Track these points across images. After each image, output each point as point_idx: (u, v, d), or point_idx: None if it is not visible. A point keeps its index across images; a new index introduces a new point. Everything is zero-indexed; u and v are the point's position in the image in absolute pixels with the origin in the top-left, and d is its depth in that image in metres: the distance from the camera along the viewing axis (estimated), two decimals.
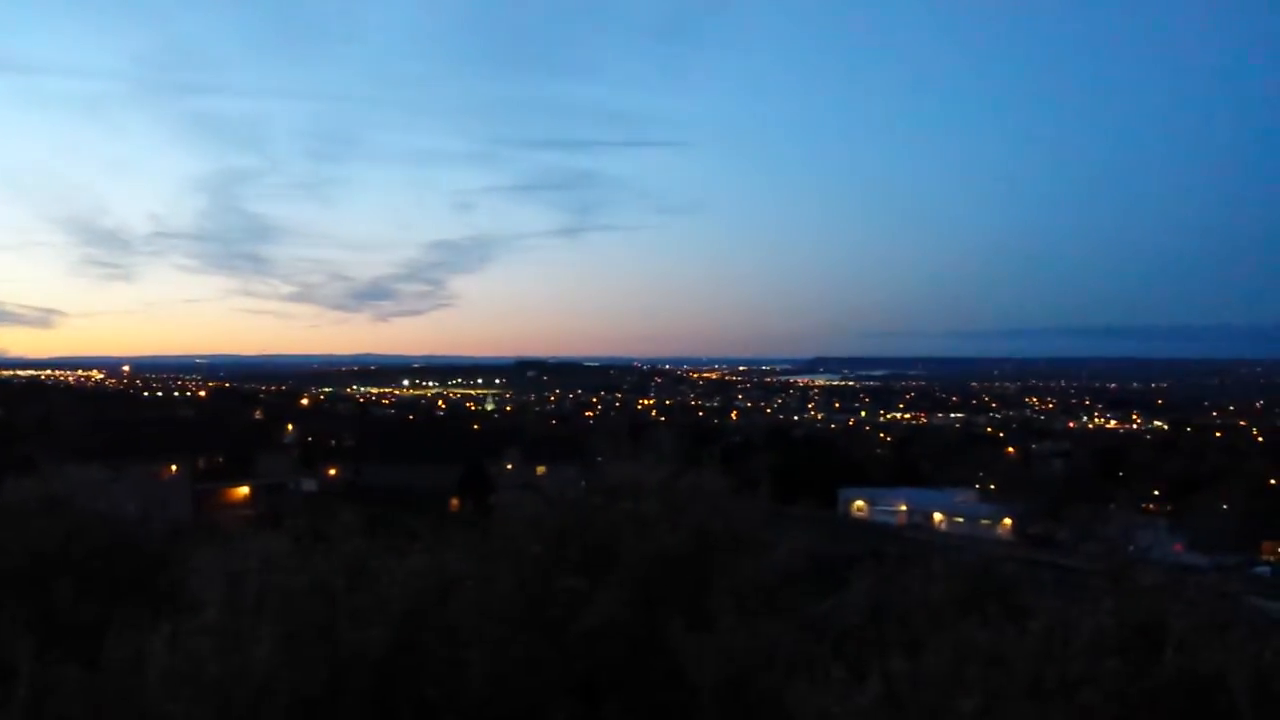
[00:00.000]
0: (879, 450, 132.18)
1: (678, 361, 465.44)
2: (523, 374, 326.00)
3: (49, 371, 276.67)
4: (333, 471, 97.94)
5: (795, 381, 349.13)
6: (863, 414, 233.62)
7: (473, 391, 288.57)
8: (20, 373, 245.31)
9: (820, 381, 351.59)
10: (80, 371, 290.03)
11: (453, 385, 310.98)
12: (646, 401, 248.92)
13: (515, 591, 4.50)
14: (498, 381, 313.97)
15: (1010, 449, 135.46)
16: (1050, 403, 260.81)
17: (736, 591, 4.72)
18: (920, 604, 6.35)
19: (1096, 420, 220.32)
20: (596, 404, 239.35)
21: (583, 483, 5.29)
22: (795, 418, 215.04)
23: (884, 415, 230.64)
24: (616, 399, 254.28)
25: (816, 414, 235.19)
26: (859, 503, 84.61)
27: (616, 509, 4.79)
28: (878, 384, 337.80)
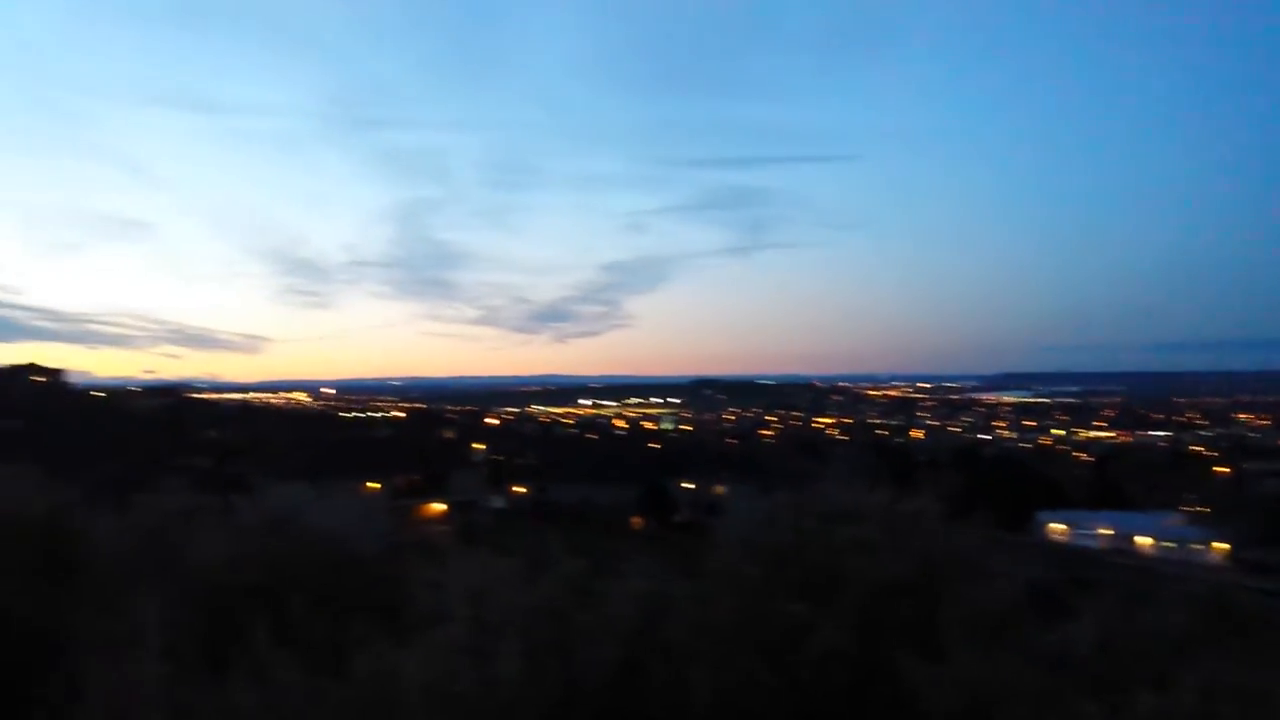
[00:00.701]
0: (1076, 470, 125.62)
1: (856, 378, 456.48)
2: (699, 392, 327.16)
3: (257, 394, 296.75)
4: (520, 489, 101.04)
5: (982, 398, 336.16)
6: (1057, 432, 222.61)
7: (650, 410, 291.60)
8: (231, 396, 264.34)
9: (1009, 398, 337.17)
10: (285, 394, 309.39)
11: (630, 404, 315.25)
12: (824, 420, 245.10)
13: (735, 615, 4.49)
14: (674, 400, 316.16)
15: (1221, 468, 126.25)
16: (1264, 419, 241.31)
17: (965, 620, 4.55)
18: (1157, 636, 5.97)
19: None
20: (774, 422, 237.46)
21: (795, 505, 5.23)
22: (984, 436, 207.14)
23: (1080, 433, 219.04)
24: (793, 417, 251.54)
25: (1007, 432, 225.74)
26: (1058, 526, 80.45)
27: (838, 533, 4.72)
28: (1073, 400, 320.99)
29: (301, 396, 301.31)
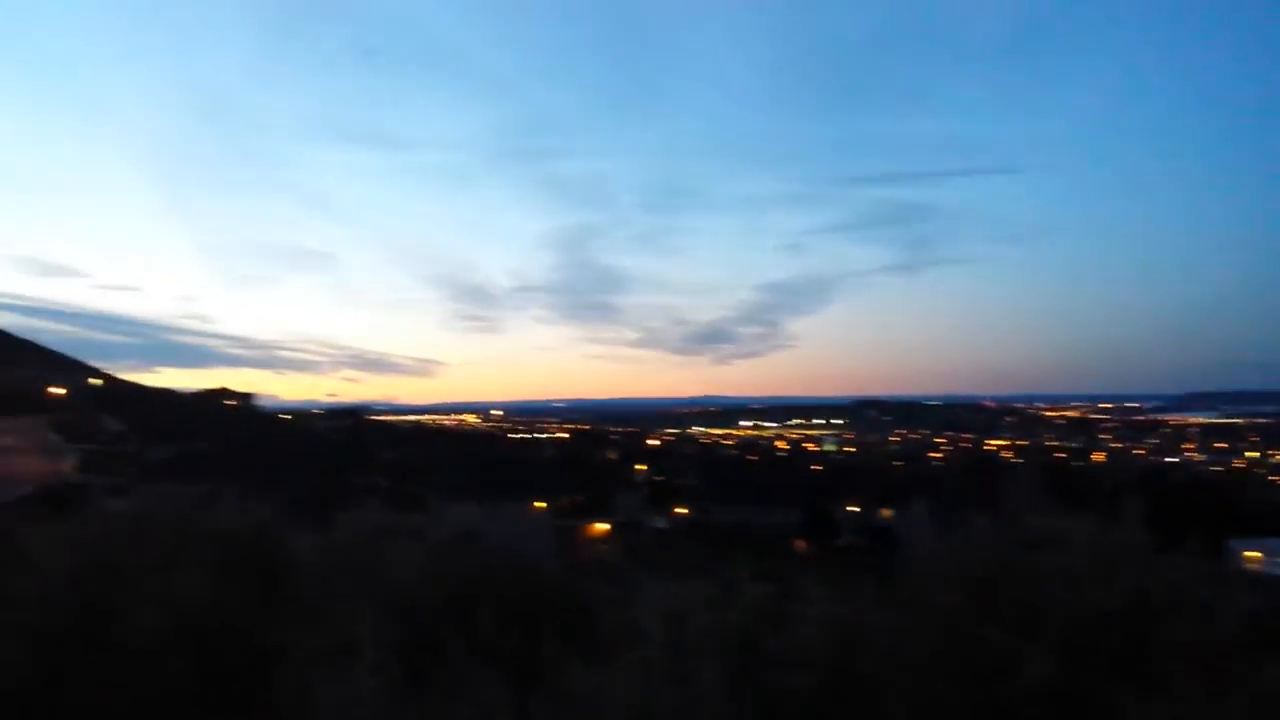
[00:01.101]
0: (1272, 495, 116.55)
1: (1030, 398, 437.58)
2: (862, 414, 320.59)
3: (430, 416, 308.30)
4: (681, 510, 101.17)
5: (1167, 419, 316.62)
6: (1251, 455, 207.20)
7: (812, 432, 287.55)
8: (406, 418, 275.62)
9: (1197, 419, 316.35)
10: (456, 415, 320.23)
11: (791, 426, 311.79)
12: (997, 442, 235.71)
13: (936, 645, 4.32)
14: (837, 422, 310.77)
15: None
16: None
17: (1181, 654, 4.25)
18: None
19: None
20: (942, 444, 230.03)
21: (997, 532, 5.01)
22: (1171, 459, 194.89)
23: (1277, 456, 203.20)
24: (963, 439, 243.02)
25: (1195, 455, 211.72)
26: (1251, 554, 74.78)
27: (1043, 562, 4.49)
28: (1270, 421, 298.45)
29: (471, 418, 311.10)
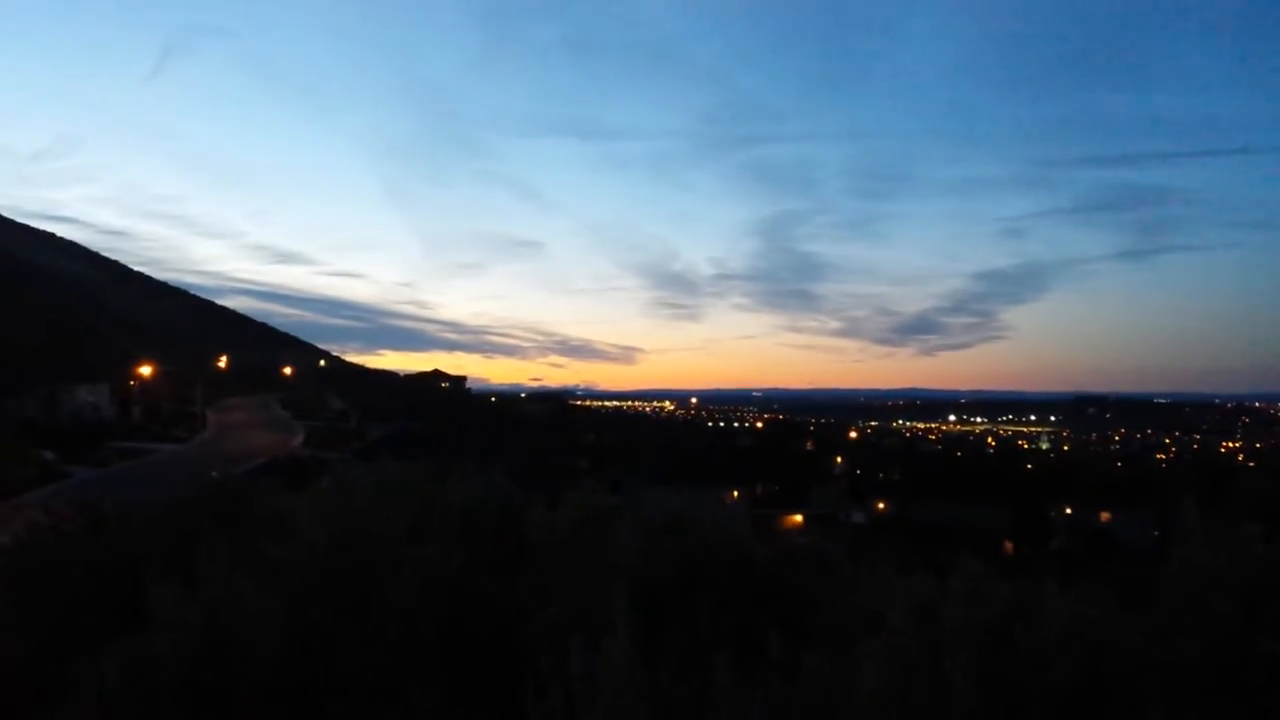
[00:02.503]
0: None
1: (1271, 398, 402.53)
2: (1081, 411, 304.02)
3: (630, 403, 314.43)
4: (881, 505, 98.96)
5: None
6: None
7: (1025, 429, 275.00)
8: (607, 404, 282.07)
9: None
10: (655, 403, 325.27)
11: (1003, 421, 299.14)
12: (1231, 444, 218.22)
13: (1201, 651, 4.06)
14: (1053, 419, 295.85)
15: None
16: None
17: None
18: None
19: None
20: (1170, 445, 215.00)
21: (1270, 538, 4.64)
22: None
23: None
24: (1193, 441, 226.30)
25: None
26: None
27: None
28: None
29: (669, 405, 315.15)
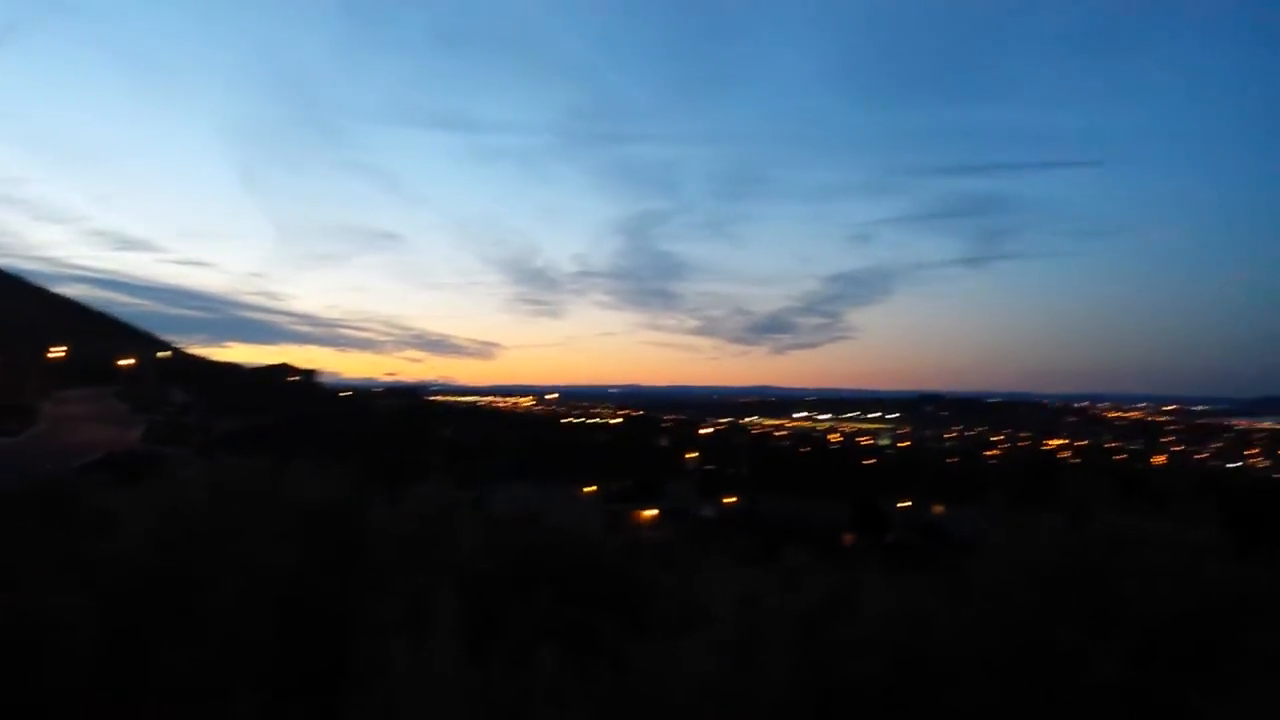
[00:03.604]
0: None
1: (1093, 398, 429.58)
2: (921, 409, 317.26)
3: (488, 398, 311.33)
4: (730, 500, 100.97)
5: (1235, 424, 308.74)
6: None
7: (868, 426, 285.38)
8: (463, 399, 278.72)
9: (1268, 424, 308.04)
10: (513, 398, 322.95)
11: (847, 418, 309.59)
12: (1055, 442, 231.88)
13: (1005, 639, 4.35)
14: (894, 416, 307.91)
15: None
16: None
17: (1255, 656, 4.22)
18: None
19: None
20: (1000, 442, 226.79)
21: (1074, 530, 5.01)
22: (1232, 464, 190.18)
23: None
24: (1022, 438, 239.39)
25: (1261, 461, 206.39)
26: None
27: (1119, 561, 4.49)
28: None
29: (527, 400, 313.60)
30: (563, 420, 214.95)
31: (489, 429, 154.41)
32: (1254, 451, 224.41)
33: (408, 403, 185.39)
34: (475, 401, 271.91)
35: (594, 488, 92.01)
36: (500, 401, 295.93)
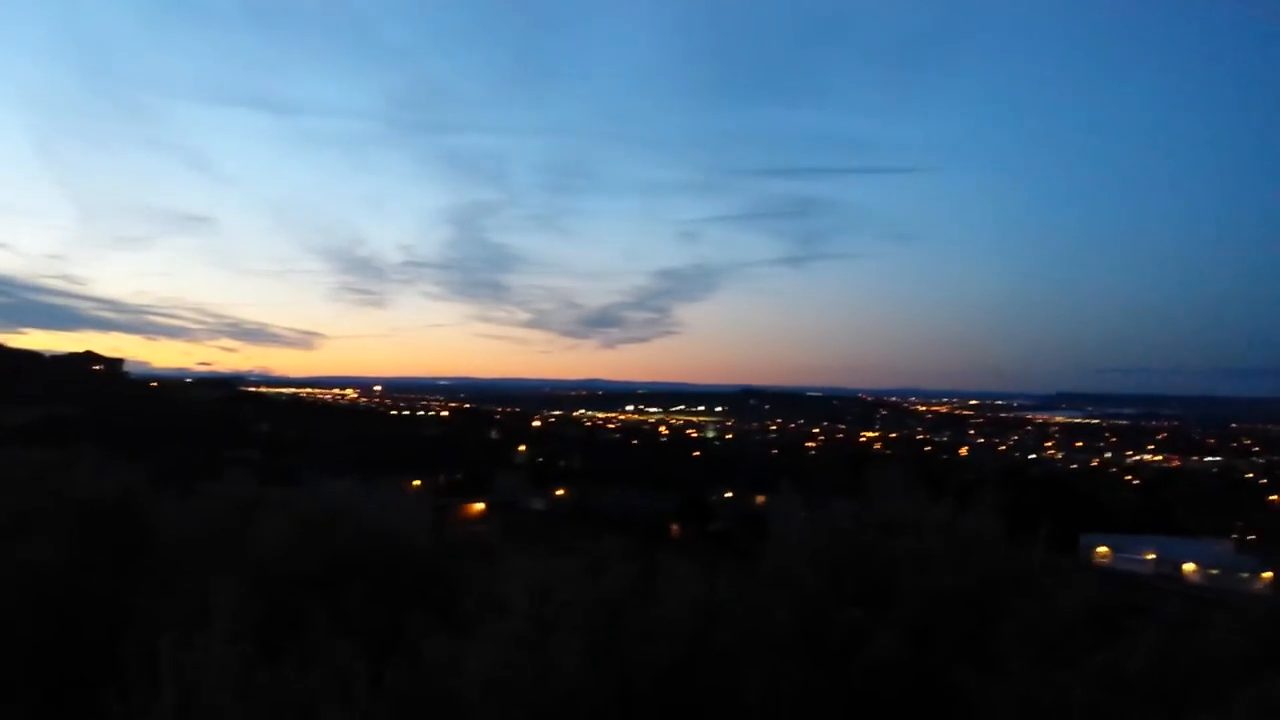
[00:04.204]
0: (1125, 494, 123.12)
1: (905, 393, 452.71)
2: (745, 402, 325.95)
3: (309, 390, 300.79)
4: (560, 492, 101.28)
5: (1033, 418, 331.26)
6: (1108, 455, 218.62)
7: (694, 419, 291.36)
8: (283, 391, 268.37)
9: (1061, 418, 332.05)
10: (336, 391, 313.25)
11: (675, 412, 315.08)
12: (870, 434, 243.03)
13: (791, 621, 4.53)
14: (719, 409, 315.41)
15: (1273, 497, 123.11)
16: None
17: (1022, 635, 4.56)
18: (1211, 657, 5.91)
19: None
20: (818, 435, 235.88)
21: (855, 516, 5.26)
22: (1032, 456, 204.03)
23: (1132, 456, 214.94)
24: (839, 430, 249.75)
25: (1056, 453, 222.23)
26: (1102, 549, 79.00)
27: (897, 545, 4.75)
28: (1126, 423, 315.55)
29: (351, 393, 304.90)
30: (389, 413, 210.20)
31: (310, 422, 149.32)
32: (1050, 443, 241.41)
33: (223, 394, 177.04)
34: (296, 393, 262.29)
35: (421, 482, 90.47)
36: (323, 394, 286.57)
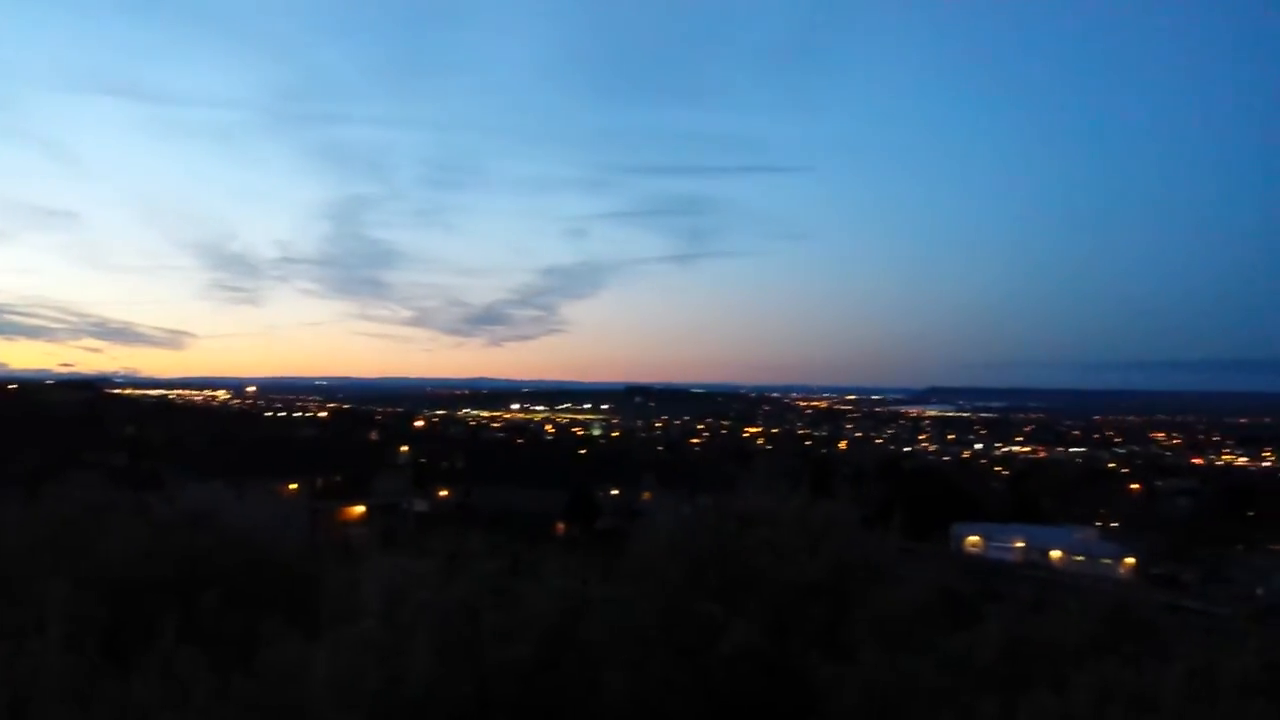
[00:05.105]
0: (995, 484, 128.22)
1: (786, 389, 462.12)
2: (630, 400, 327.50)
3: (178, 391, 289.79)
4: (444, 493, 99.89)
5: (907, 412, 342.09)
6: (978, 446, 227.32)
7: (581, 417, 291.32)
8: (150, 392, 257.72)
9: (933, 412, 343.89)
10: (207, 392, 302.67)
11: (561, 410, 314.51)
12: (753, 429, 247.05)
13: (652, 616, 4.55)
14: (605, 407, 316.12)
15: (1134, 486, 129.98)
16: (1177, 438, 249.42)
17: (873, 623, 4.68)
18: (1057, 642, 6.18)
19: (1226, 457, 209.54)
20: (703, 431, 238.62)
21: (716, 510, 5.32)
22: (907, 449, 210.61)
23: (1001, 448, 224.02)
24: (723, 426, 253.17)
25: (929, 445, 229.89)
26: (973, 538, 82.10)
27: (754, 536, 4.81)
28: (995, 416, 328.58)
29: (223, 395, 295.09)
30: (264, 414, 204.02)
31: (179, 424, 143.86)
32: (924, 436, 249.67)
33: (86, 396, 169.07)
34: (165, 395, 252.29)
35: (297, 485, 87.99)
36: (194, 395, 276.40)
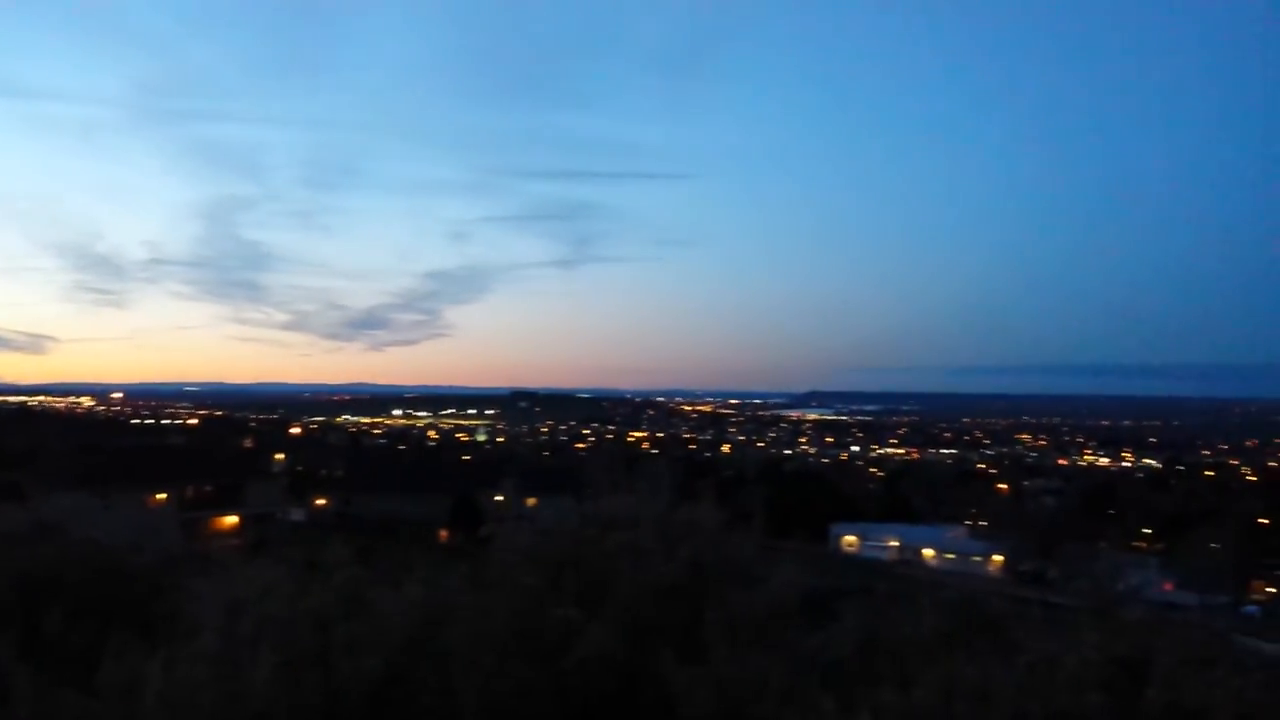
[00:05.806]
0: (871, 485, 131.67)
1: (671, 394, 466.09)
2: (515, 405, 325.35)
3: (39, 398, 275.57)
4: (322, 501, 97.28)
5: (788, 415, 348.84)
6: (855, 449, 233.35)
7: (465, 422, 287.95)
8: (9, 399, 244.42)
9: (813, 416, 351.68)
10: (71, 398, 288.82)
11: (445, 415, 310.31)
12: (638, 434, 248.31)
13: (510, 621, 4.55)
14: (490, 412, 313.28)
15: (1002, 486, 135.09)
16: (1042, 440, 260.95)
17: (728, 624, 4.77)
18: (909, 638, 6.40)
19: (1088, 457, 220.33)
20: (588, 435, 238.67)
21: (577, 514, 5.34)
22: (787, 452, 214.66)
23: (876, 450, 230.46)
24: (608, 431, 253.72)
25: (809, 448, 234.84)
26: (850, 538, 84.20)
27: (611, 541, 4.85)
28: (870, 419, 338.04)
29: (88, 401, 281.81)
30: (130, 422, 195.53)
31: (39, 433, 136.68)
32: (804, 439, 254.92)
33: None
34: (24, 402, 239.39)
35: (166, 495, 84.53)
36: (56, 402, 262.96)
